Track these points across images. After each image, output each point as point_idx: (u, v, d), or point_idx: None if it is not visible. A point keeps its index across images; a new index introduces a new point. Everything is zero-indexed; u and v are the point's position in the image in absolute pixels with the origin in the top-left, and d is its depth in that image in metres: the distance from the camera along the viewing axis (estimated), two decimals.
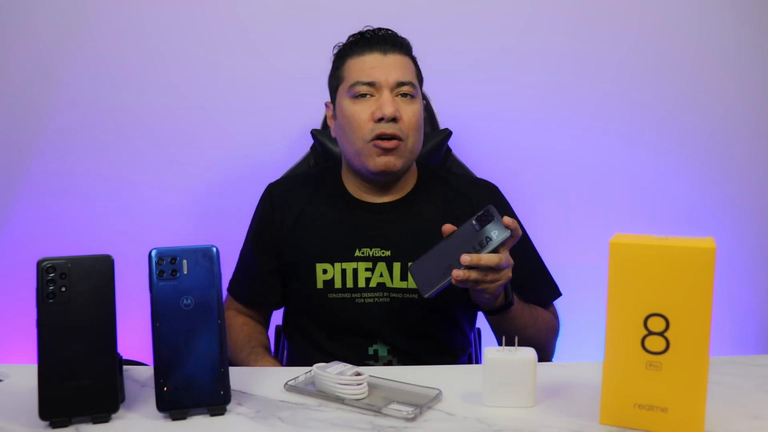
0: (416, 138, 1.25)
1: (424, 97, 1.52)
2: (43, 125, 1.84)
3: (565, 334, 1.35)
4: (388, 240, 1.26)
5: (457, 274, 1.01)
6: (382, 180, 1.27)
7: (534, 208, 1.58)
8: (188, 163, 1.86)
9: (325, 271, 1.26)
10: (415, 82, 1.26)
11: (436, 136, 1.52)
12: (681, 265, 0.77)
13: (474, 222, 1.03)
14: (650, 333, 0.79)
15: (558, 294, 1.32)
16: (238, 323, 1.33)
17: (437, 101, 1.58)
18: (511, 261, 1.07)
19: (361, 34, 1.27)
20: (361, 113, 1.22)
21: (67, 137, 1.84)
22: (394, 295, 1.25)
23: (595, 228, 1.74)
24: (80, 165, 1.85)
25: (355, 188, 1.31)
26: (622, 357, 0.80)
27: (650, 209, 1.89)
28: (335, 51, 1.30)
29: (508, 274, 1.07)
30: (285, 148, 1.79)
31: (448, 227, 1.06)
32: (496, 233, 1.02)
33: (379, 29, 1.27)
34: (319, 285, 1.26)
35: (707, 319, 0.76)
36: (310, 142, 1.55)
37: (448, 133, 1.52)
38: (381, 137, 1.20)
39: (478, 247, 1.02)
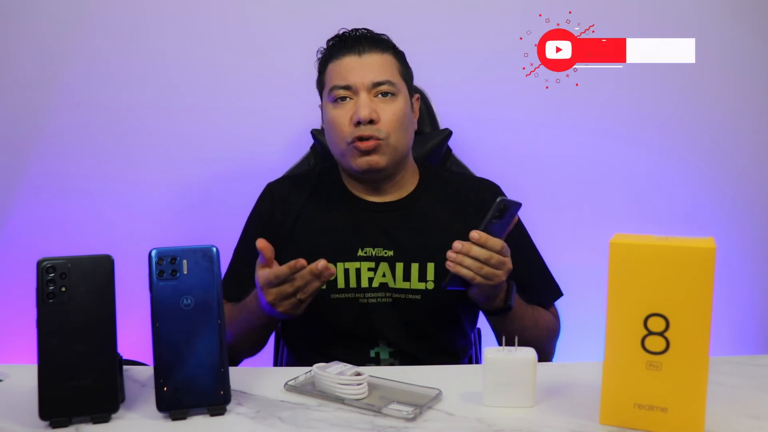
0: (399, 136, 1.24)
1: (422, 96, 1.53)
2: (43, 125, 1.84)
3: (565, 334, 1.35)
4: (391, 240, 1.26)
5: (457, 246, 1.04)
6: (371, 178, 1.27)
7: (534, 208, 1.57)
8: (188, 164, 1.86)
9: None
10: (396, 78, 1.25)
11: (436, 136, 1.51)
12: (681, 265, 0.77)
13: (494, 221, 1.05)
14: (650, 333, 0.79)
15: (559, 294, 1.32)
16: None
17: (437, 101, 1.58)
18: (509, 250, 1.09)
19: (338, 36, 1.27)
20: (341, 117, 1.23)
21: (67, 137, 1.84)
22: (396, 295, 1.25)
23: (595, 228, 1.73)
24: (80, 165, 1.85)
25: (355, 188, 1.31)
26: (622, 357, 0.80)
27: (650, 209, 1.88)
28: (318, 56, 1.31)
29: (510, 264, 1.08)
30: (285, 148, 1.79)
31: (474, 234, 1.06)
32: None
33: (356, 30, 1.27)
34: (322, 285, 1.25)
35: (707, 319, 0.76)
36: (310, 142, 1.55)
37: (448, 133, 1.52)
38: (360, 139, 1.21)
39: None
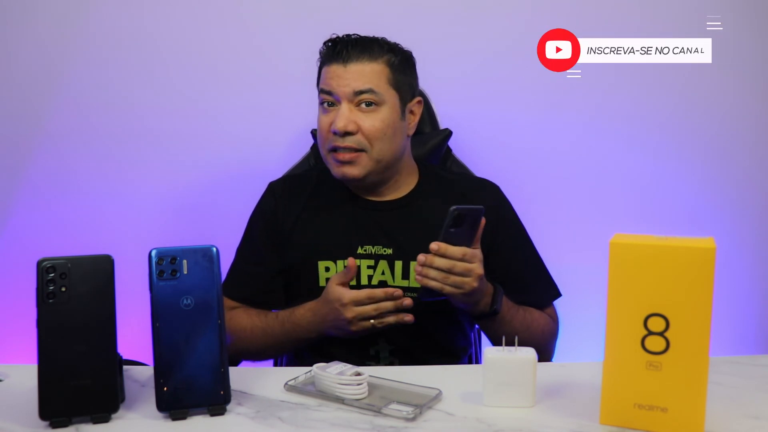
0: (382, 146, 1.23)
1: (423, 97, 1.52)
2: (43, 125, 1.84)
3: (565, 334, 1.35)
4: (390, 238, 1.27)
5: (421, 258, 1.07)
6: (352, 186, 1.29)
7: (534, 208, 1.58)
8: (188, 163, 1.86)
9: (327, 269, 1.26)
10: (381, 87, 1.22)
11: (436, 136, 1.51)
12: (681, 265, 0.77)
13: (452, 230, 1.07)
14: (650, 333, 0.79)
15: (557, 294, 1.32)
16: (240, 313, 1.27)
17: (437, 101, 1.58)
18: (480, 256, 1.10)
19: (330, 41, 1.26)
20: (324, 123, 1.25)
21: (67, 137, 1.84)
22: None
23: (595, 228, 1.73)
24: (80, 165, 1.85)
25: (354, 187, 1.31)
26: (622, 357, 0.80)
27: (650, 209, 1.88)
28: (319, 57, 1.31)
29: (478, 270, 1.09)
30: (285, 148, 1.79)
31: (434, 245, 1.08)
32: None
33: (347, 35, 1.25)
34: (321, 283, 1.26)
35: (707, 319, 0.76)
36: (310, 142, 1.55)
37: (448, 133, 1.52)
38: (336, 149, 1.23)
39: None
